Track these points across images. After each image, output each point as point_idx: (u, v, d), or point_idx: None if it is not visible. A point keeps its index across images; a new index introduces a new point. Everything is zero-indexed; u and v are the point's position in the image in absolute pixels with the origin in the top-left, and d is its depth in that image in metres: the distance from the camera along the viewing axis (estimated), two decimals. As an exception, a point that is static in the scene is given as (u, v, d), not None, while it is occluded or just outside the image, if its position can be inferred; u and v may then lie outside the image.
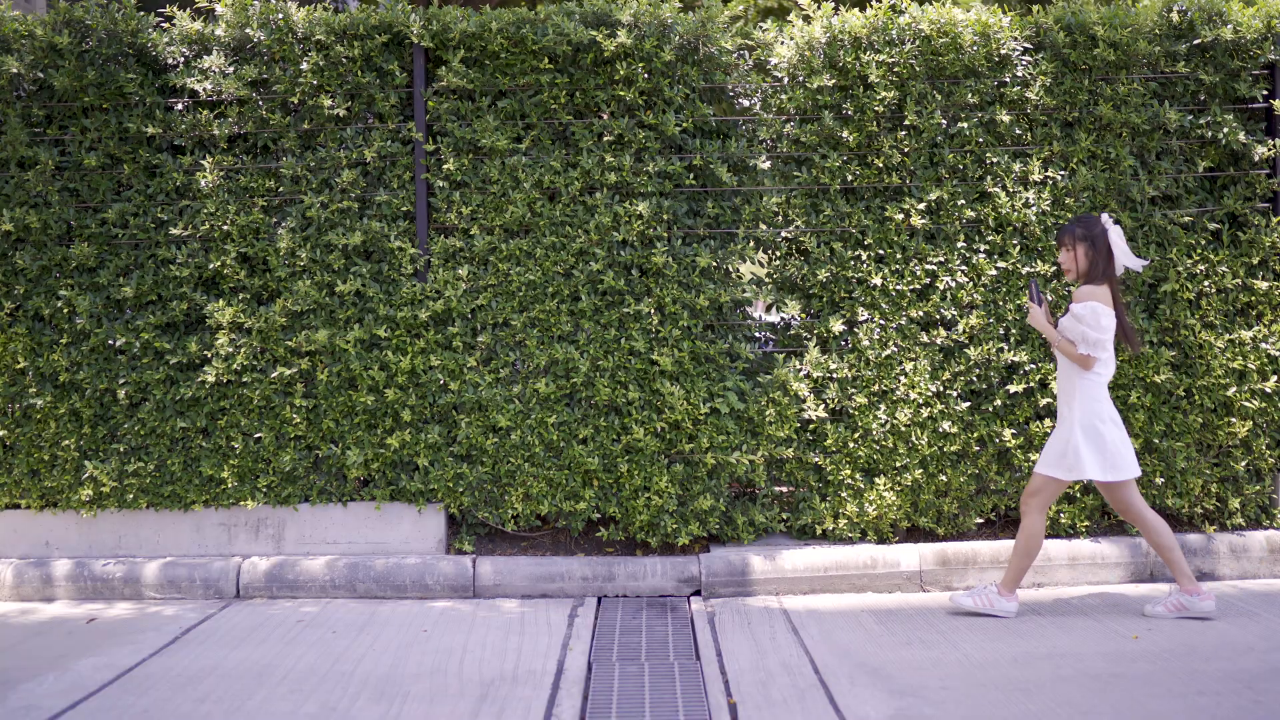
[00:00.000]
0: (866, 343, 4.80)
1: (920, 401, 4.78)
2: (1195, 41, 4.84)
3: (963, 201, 4.81)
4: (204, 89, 4.70)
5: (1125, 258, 4.07)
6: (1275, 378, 4.85)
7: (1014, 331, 4.82)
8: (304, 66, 4.69)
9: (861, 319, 4.84)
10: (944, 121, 4.83)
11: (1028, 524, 4.10)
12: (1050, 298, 4.79)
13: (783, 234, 4.93)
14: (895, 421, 4.78)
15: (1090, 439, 4.00)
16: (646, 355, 4.72)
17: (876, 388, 4.81)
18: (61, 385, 4.80)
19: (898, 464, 4.79)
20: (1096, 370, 4.03)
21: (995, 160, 4.81)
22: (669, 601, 4.54)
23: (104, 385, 4.75)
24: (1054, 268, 4.80)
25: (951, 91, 4.82)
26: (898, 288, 4.81)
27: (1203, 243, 4.89)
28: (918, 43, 4.80)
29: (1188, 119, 4.84)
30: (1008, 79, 4.83)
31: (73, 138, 4.79)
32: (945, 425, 4.77)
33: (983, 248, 4.82)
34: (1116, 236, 4.05)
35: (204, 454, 4.79)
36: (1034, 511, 4.11)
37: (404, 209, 4.78)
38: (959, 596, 4.21)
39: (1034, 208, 4.81)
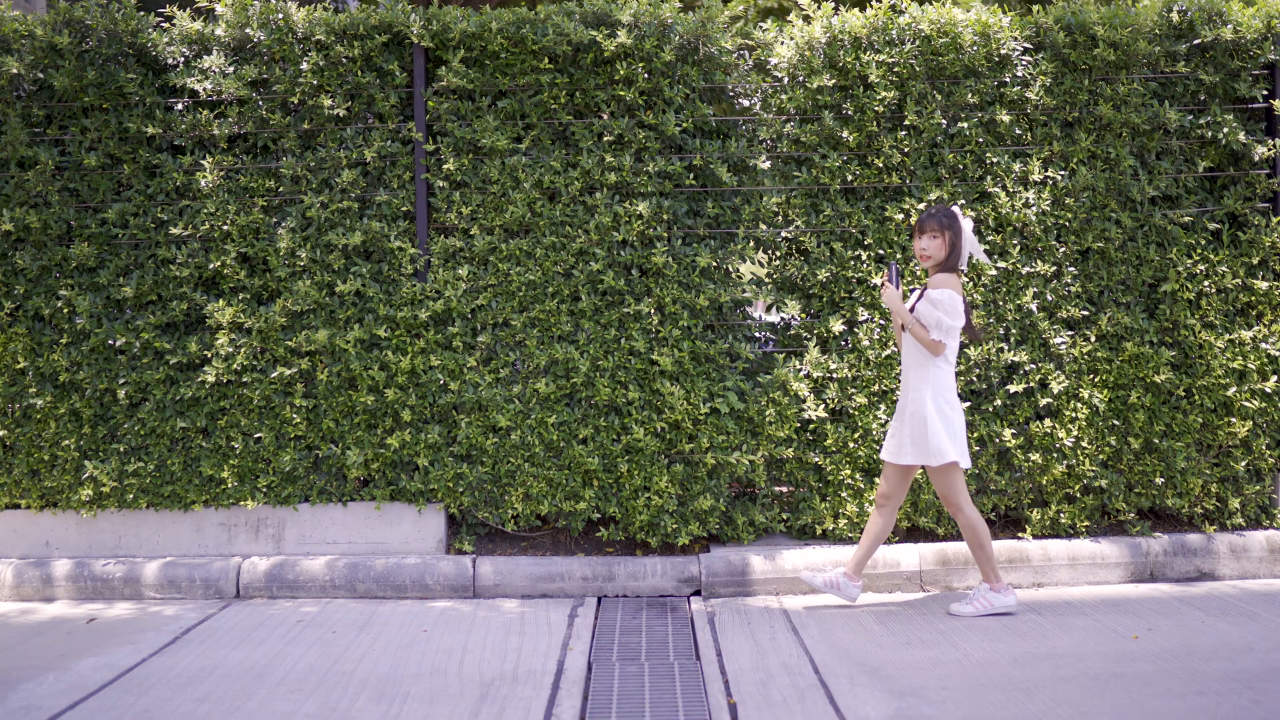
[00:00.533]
0: (866, 343, 4.80)
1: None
2: (1195, 41, 4.85)
3: (963, 201, 4.81)
4: (204, 89, 4.70)
5: (975, 249, 4.18)
6: (1275, 378, 4.85)
7: (1014, 331, 4.82)
8: (304, 66, 4.69)
9: (861, 319, 4.84)
10: (944, 121, 4.83)
11: (961, 522, 4.16)
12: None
13: (783, 234, 4.93)
14: (895, 421, 4.78)
15: (946, 425, 4.06)
16: (646, 355, 4.72)
17: (876, 388, 4.81)
18: (61, 385, 4.80)
19: (898, 464, 4.79)
20: (947, 357, 4.10)
21: (995, 160, 4.81)
22: (669, 601, 4.54)
23: (104, 385, 4.75)
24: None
25: (951, 91, 4.82)
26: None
27: (1203, 243, 4.89)
28: (918, 43, 4.80)
29: (1188, 119, 4.84)
30: (1008, 79, 4.83)
31: (73, 138, 4.79)
32: (945, 425, 4.77)
33: (983, 248, 4.81)
34: (968, 228, 4.15)
35: (204, 454, 4.79)
36: (959, 511, 4.14)
37: (404, 209, 4.78)
38: (957, 607, 4.21)
39: (1034, 208, 4.81)
